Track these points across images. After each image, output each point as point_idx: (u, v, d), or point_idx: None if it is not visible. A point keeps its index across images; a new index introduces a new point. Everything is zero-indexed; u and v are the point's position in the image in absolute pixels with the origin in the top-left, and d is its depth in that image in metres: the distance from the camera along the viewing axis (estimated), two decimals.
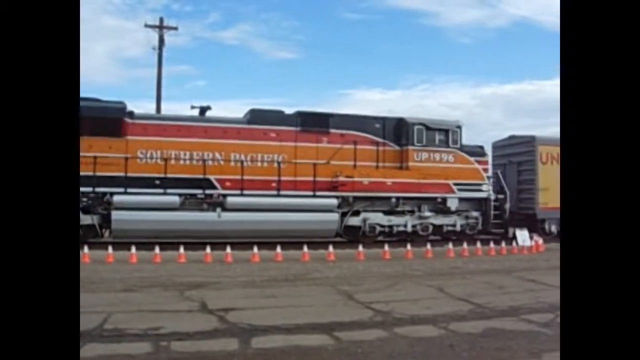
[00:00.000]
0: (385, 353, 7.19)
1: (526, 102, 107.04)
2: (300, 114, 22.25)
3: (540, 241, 22.48)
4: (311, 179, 21.26)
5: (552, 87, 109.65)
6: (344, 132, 22.38)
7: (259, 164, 21.17)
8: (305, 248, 17.77)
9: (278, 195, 20.92)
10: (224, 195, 20.58)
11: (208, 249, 16.82)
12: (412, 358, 7.01)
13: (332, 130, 22.27)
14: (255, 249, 17.14)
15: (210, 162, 20.64)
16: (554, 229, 26.21)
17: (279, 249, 17.43)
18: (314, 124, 22.14)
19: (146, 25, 35.61)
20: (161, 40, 35.44)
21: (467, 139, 24.86)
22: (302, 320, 8.85)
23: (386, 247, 18.83)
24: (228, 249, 16.94)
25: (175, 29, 36.43)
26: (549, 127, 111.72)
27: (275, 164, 21.10)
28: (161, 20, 36.07)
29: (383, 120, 23.42)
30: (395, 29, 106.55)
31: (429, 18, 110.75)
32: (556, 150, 26.34)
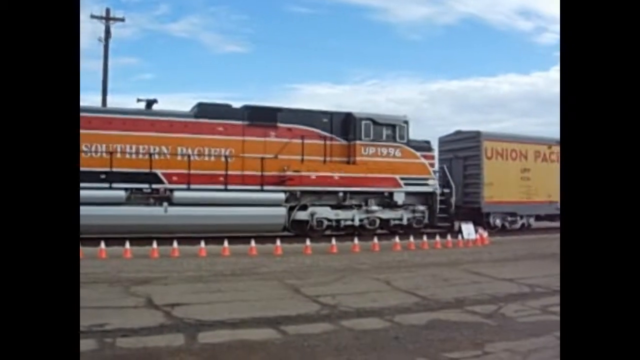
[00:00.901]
0: (332, 346, 7.25)
1: (473, 98, 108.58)
2: (247, 108, 22.10)
3: (485, 234, 22.87)
4: (259, 173, 21.18)
5: (497, 84, 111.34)
6: (291, 126, 22.37)
7: (206, 158, 20.99)
8: (252, 242, 17.70)
9: (225, 190, 20.79)
10: (171, 190, 20.33)
11: (154, 244, 16.60)
12: (358, 350, 7.08)
13: (280, 125, 22.22)
14: (203, 244, 17.01)
15: (156, 156, 20.35)
16: (498, 222, 26.82)
17: (226, 243, 17.31)
18: (262, 118, 22.03)
19: (92, 16, 34.88)
20: (107, 32, 34.85)
21: (415, 133, 25.19)
22: (249, 315, 8.85)
23: (333, 241, 18.90)
24: (175, 244, 16.75)
25: (122, 20, 35.89)
26: (494, 122, 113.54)
27: (223, 158, 20.97)
28: (108, 11, 35.39)
29: (331, 115, 23.49)
30: (345, 23, 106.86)
31: (378, 13, 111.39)
32: (501, 146, 26.97)
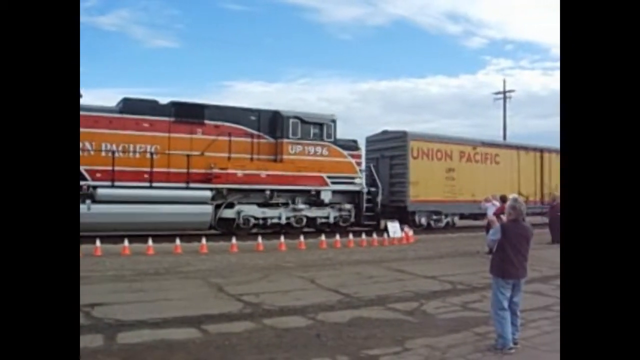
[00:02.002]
0: (253, 344, 7.23)
1: (402, 99, 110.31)
2: (174, 105, 21.73)
3: (411, 232, 23.21)
4: (185, 170, 20.87)
5: (426, 86, 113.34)
6: (218, 123, 22.13)
7: (131, 154, 20.50)
8: (177, 241, 17.46)
9: (150, 187, 20.38)
10: (94, 187, 19.78)
11: None
12: (279, 349, 7.08)
13: (207, 122, 21.96)
14: (126, 242, 16.66)
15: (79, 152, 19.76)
16: (423, 220, 27.27)
17: (150, 242, 17.01)
18: (189, 114, 21.72)
19: None
20: None
21: (346, 133, 25.41)
22: (171, 314, 8.72)
23: (260, 239, 18.84)
24: (97, 242, 16.34)
25: None
26: (423, 123, 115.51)
27: (148, 155, 20.52)
28: None
29: (258, 112, 23.36)
30: (278, 22, 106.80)
31: (311, 13, 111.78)
32: (427, 146, 27.44)
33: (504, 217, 8.43)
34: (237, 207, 22.18)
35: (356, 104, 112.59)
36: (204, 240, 17.86)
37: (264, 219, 22.80)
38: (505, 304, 7.20)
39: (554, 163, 34.21)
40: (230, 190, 21.97)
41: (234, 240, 18.28)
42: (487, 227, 14.42)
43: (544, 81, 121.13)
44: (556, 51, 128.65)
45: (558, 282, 12.64)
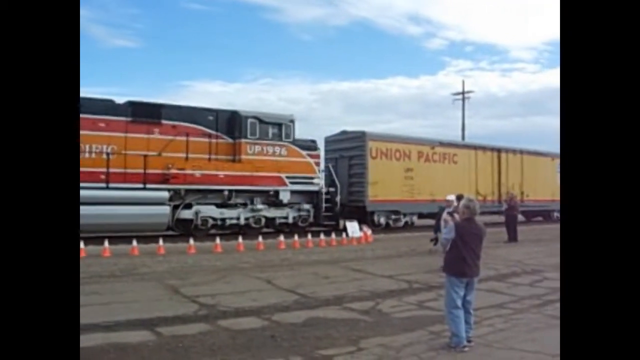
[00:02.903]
0: (206, 346, 7.17)
1: (363, 99, 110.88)
2: (131, 104, 21.40)
3: (369, 232, 23.32)
4: (142, 171, 20.58)
5: (386, 86, 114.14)
6: (176, 123, 21.88)
7: (87, 155, 20.01)
8: (134, 242, 17.25)
9: (107, 188, 20.03)
10: None
11: None
12: (233, 350, 7.04)
13: (164, 122, 21.69)
14: (82, 245, 16.36)
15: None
16: (382, 220, 27.39)
17: (106, 243, 16.77)
18: (146, 114, 21.43)
19: None
20: None
21: (306, 133, 25.44)
22: (124, 317, 8.60)
23: (218, 240, 18.71)
24: None
25: None
26: (384, 123, 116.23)
27: (104, 155, 20.15)
28: None
29: (216, 112, 23.19)
30: (239, 22, 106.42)
31: (272, 13, 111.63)
32: (385, 146, 27.57)
33: (457, 216, 8.51)
34: (195, 208, 21.96)
35: (317, 104, 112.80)
36: (161, 242, 17.71)
37: (223, 219, 22.65)
38: (459, 302, 7.25)
39: (511, 162, 34.70)
40: (188, 190, 21.76)
41: (191, 241, 18.13)
42: (437, 225, 14.70)
43: (502, 82, 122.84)
44: (515, 53, 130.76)
45: (513, 280, 12.88)
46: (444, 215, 10.43)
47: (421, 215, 29.50)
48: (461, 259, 7.28)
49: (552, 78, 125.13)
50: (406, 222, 28.75)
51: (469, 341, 7.23)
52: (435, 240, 14.64)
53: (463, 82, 63.70)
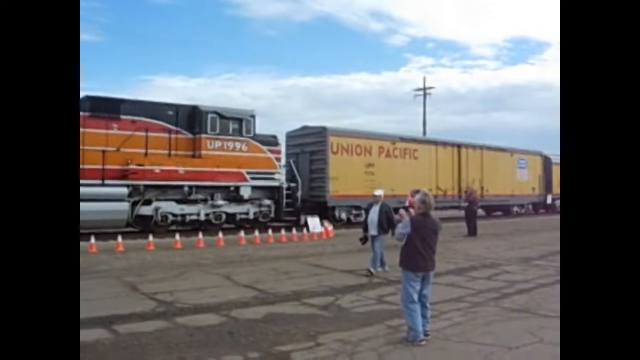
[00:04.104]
0: (163, 344, 7.10)
1: (326, 95, 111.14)
2: (89, 99, 20.93)
3: (330, 227, 23.37)
4: (100, 166, 20.26)
5: (349, 82, 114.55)
6: (135, 118, 21.56)
7: None
8: (92, 239, 16.98)
9: None
10: None
11: None
12: (190, 347, 6.98)
13: (123, 117, 21.33)
14: None
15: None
16: (343, 215, 27.45)
17: None
18: (104, 109, 21.02)
19: None
20: None
21: (269, 129, 25.43)
22: (80, 315, 8.45)
23: (177, 236, 18.57)
24: None
25: None
26: (346, 119, 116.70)
27: None
28: None
29: (177, 107, 22.94)
30: (202, 16, 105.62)
31: (235, 8, 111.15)
32: (346, 141, 27.63)
33: (412, 211, 8.56)
34: (155, 204, 21.73)
35: (279, 99, 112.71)
36: (120, 239, 17.50)
37: (183, 215, 22.49)
38: (415, 296, 7.30)
39: (471, 158, 35.09)
40: (147, 186, 21.50)
41: (151, 237, 17.98)
42: (365, 223, 14.06)
43: (463, 79, 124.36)
44: (476, 50, 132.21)
45: (472, 273, 13.00)
46: (400, 210, 10.38)
47: None
48: (417, 254, 7.33)
49: (512, 75, 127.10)
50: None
51: (426, 335, 7.28)
52: (364, 239, 13.99)
53: (424, 78, 63.96)
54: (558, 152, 47.75)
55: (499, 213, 39.49)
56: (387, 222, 13.32)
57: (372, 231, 13.47)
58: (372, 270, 12.80)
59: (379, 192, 14.45)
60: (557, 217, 38.69)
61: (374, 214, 13.55)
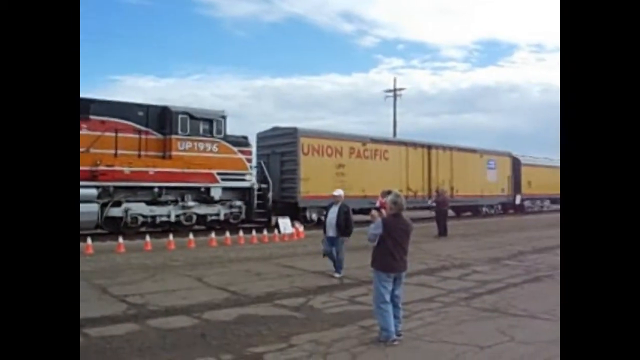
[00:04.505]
0: (135, 347, 7.05)
1: (296, 96, 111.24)
2: None
3: (301, 228, 23.38)
4: None
5: (320, 83, 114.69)
6: (105, 119, 21.26)
7: None
8: None
9: None
10: None
11: None
12: (162, 350, 6.94)
13: (93, 117, 20.96)
14: None
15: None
16: (314, 216, 27.44)
17: None
18: None
19: None
20: None
21: (239, 129, 25.30)
22: None
23: (148, 238, 18.41)
24: None
25: None
26: (316, 120, 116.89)
27: None
28: None
29: (147, 108, 22.73)
30: (172, 16, 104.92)
31: (206, 8, 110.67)
32: (317, 142, 27.66)
33: (384, 212, 8.59)
34: (125, 206, 21.49)
35: (250, 100, 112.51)
36: (89, 240, 17.25)
37: (153, 217, 22.28)
38: (387, 297, 7.34)
39: (441, 159, 35.33)
40: (117, 187, 21.26)
41: (120, 239, 17.79)
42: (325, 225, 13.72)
43: (433, 80, 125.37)
44: (446, 52, 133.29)
45: (443, 273, 13.10)
46: (372, 211, 10.26)
47: (353, 211, 29.63)
48: (389, 254, 7.37)
49: (481, 76, 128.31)
50: None
51: (398, 335, 7.33)
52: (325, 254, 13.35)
53: (395, 80, 64.08)
54: (526, 153, 48.41)
55: (468, 213, 39.80)
56: (345, 224, 13.01)
57: (330, 233, 13.09)
58: (336, 275, 12.60)
59: (338, 192, 13.89)
60: (526, 217, 39.23)
61: (332, 215, 13.16)
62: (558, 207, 53.84)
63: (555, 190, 50.78)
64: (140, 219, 21.95)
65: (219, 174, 23.66)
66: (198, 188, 23.36)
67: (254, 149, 26.75)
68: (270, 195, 25.73)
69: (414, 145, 34.08)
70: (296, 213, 26.29)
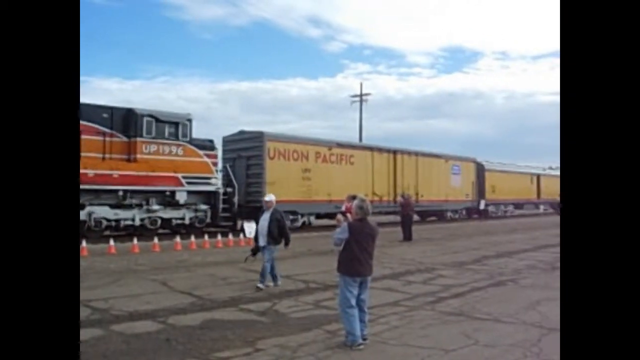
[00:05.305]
0: (99, 352, 6.97)
1: (262, 100, 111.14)
2: None
3: None
4: None
5: (286, 87, 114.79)
6: None
7: None
8: None
9: None
10: None
11: None
12: (127, 355, 6.88)
13: None
14: None
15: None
16: None
17: None
18: None
19: None
20: None
21: (205, 132, 25.13)
22: None
23: (112, 241, 18.22)
24: None
25: None
26: (282, 124, 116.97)
27: None
28: None
29: (111, 110, 22.36)
30: (138, 17, 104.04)
31: (173, 10, 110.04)
32: (283, 146, 27.62)
33: (349, 216, 8.63)
34: (88, 209, 21.18)
35: (216, 103, 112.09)
36: None
37: (117, 220, 21.99)
38: (353, 301, 7.36)
39: (406, 164, 35.58)
40: (80, 190, 20.99)
41: (84, 243, 17.58)
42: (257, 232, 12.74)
43: (399, 86, 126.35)
44: (411, 58, 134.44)
45: (408, 278, 13.18)
46: (338, 215, 10.11)
47: (319, 216, 29.78)
48: (355, 259, 7.40)
49: (447, 83, 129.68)
50: (304, 223, 28.93)
51: (364, 339, 7.35)
52: (255, 250, 12.89)
53: (361, 85, 64.38)
54: (491, 159, 48.99)
55: (433, 218, 40.12)
56: (278, 231, 12.01)
57: (261, 241, 12.11)
58: (260, 285, 11.57)
59: (269, 198, 12.83)
60: (490, 222, 39.66)
61: (264, 222, 12.14)
62: (521, 212, 54.68)
63: (519, 196, 51.61)
64: (104, 222, 21.65)
65: (184, 177, 23.49)
66: (163, 192, 23.15)
67: (219, 153, 26.66)
68: (235, 199, 25.62)
69: (380, 150, 34.27)
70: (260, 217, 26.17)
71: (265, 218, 12.19)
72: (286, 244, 12.37)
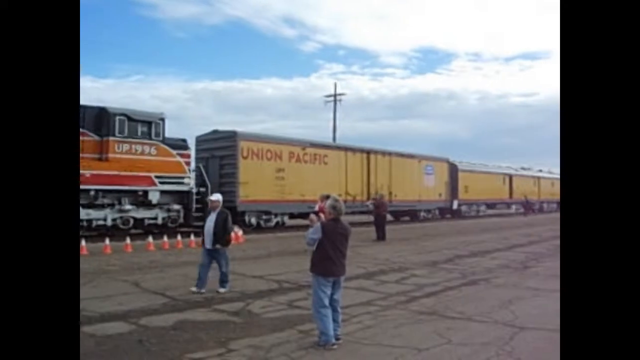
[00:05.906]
0: None
1: (236, 99, 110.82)
2: None
3: (240, 232, 23.22)
4: None
5: (260, 87, 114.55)
6: None
7: None
8: None
9: None
10: None
11: None
12: (99, 357, 6.82)
13: None
14: None
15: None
16: (253, 220, 27.38)
17: None
18: None
19: None
20: None
21: (178, 132, 25.00)
22: None
23: (83, 242, 18.01)
24: None
25: None
26: (257, 123, 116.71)
27: None
28: None
29: (83, 108, 21.98)
30: (111, 15, 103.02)
31: (146, 9, 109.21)
32: (257, 146, 27.55)
33: (322, 216, 8.64)
34: None
35: (189, 103, 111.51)
36: None
37: (89, 220, 21.70)
38: (326, 301, 7.37)
39: (380, 164, 35.69)
40: None
41: None
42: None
43: (373, 86, 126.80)
44: (385, 58, 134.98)
45: (381, 277, 13.22)
46: (311, 215, 9.98)
47: (292, 216, 29.77)
48: (328, 259, 7.41)
49: (420, 83, 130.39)
50: (277, 223, 28.91)
51: (337, 339, 7.37)
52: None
53: (335, 85, 64.76)
54: (463, 160, 49.36)
55: (406, 218, 40.28)
56: (223, 232, 11.42)
57: (207, 244, 11.50)
58: (194, 289, 11.10)
59: (215, 197, 12.19)
60: (463, 222, 39.94)
61: (210, 223, 11.54)
62: (494, 212, 55.17)
63: (491, 196, 52.06)
64: None
65: (157, 177, 23.33)
66: (135, 191, 22.97)
67: (192, 152, 26.56)
68: (208, 199, 25.47)
69: (353, 150, 34.35)
70: (235, 217, 26.09)
71: (211, 219, 11.61)
72: (226, 244, 11.64)
